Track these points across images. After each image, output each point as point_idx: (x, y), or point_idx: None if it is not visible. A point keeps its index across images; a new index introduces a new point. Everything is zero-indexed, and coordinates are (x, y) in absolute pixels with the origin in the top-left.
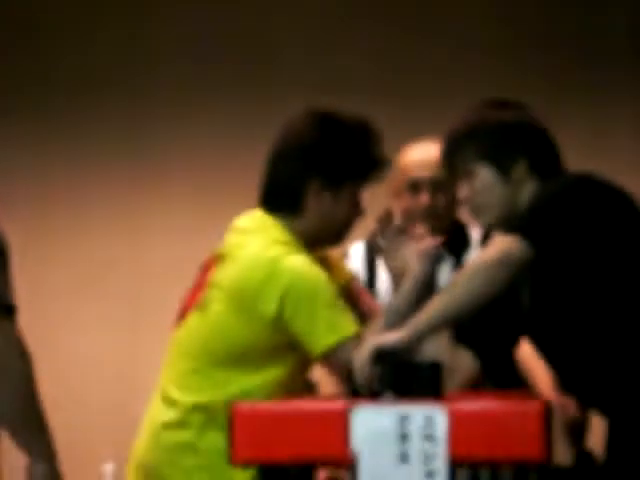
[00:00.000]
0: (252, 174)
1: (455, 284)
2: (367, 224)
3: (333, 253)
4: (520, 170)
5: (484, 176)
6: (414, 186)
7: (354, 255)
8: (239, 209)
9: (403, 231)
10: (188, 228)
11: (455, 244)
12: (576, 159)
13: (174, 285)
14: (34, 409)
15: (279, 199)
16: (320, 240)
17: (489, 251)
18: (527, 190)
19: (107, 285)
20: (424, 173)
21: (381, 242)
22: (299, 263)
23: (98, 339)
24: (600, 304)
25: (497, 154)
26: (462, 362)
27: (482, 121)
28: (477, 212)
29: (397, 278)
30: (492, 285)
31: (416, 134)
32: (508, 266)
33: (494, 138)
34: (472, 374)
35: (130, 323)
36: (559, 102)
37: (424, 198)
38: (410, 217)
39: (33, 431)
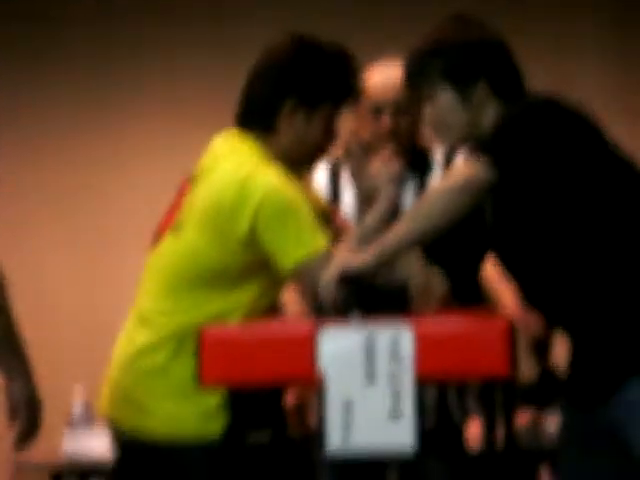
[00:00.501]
0: (231, 96)
1: (420, 208)
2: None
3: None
4: (481, 91)
5: (446, 97)
6: (376, 109)
7: (317, 180)
8: (217, 130)
9: (369, 151)
10: (164, 149)
11: (418, 166)
12: (539, 79)
13: (144, 211)
14: (10, 329)
15: (253, 117)
16: (293, 161)
17: (453, 175)
18: (490, 111)
19: (80, 209)
20: (386, 97)
21: (348, 163)
22: (272, 179)
23: (69, 260)
24: (562, 224)
25: (458, 74)
26: (435, 283)
27: (444, 41)
28: (440, 132)
29: (366, 199)
30: (455, 210)
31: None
32: (472, 191)
33: (456, 57)
34: (443, 294)
35: (101, 244)
36: (523, 21)
37: (386, 121)
38: (373, 139)
39: (10, 350)
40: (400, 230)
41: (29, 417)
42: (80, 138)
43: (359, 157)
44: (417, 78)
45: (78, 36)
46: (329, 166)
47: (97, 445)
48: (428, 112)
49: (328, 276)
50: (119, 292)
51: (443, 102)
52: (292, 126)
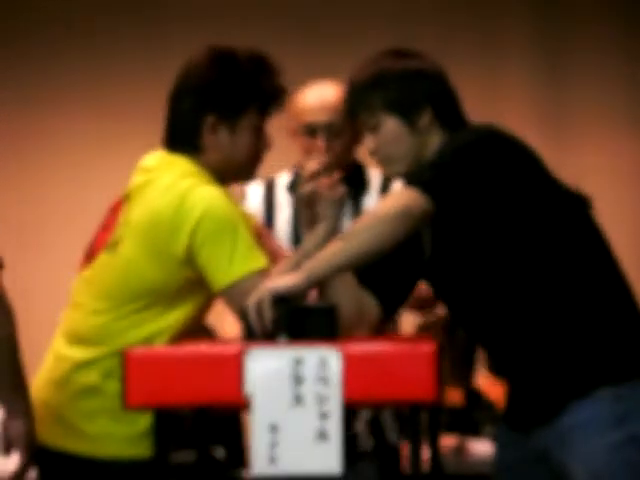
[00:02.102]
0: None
1: (353, 233)
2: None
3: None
4: (425, 119)
5: (391, 126)
6: (310, 130)
7: (252, 195)
8: (144, 151)
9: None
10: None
11: (353, 186)
12: (470, 99)
13: (66, 220)
14: (13, 361)
15: (177, 138)
16: (227, 176)
17: (390, 202)
18: (434, 140)
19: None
20: (320, 118)
21: (300, 193)
22: (209, 195)
23: None
24: (498, 252)
25: (403, 103)
26: (368, 307)
27: (386, 71)
28: (386, 163)
29: (307, 222)
30: (389, 238)
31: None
32: (407, 220)
33: (399, 87)
34: (377, 319)
35: (23, 260)
36: (451, 42)
37: (320, 143)
38: (309, 158)
39: (11, 387)
40: (332, 252)
41: (27, 455)
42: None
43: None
44: (359, 111)
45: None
46: (265, 180)
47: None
48: (372, 144)
49: (256, 297)
50: (40, 311)
51: (389, 132)
52: (217, 142)
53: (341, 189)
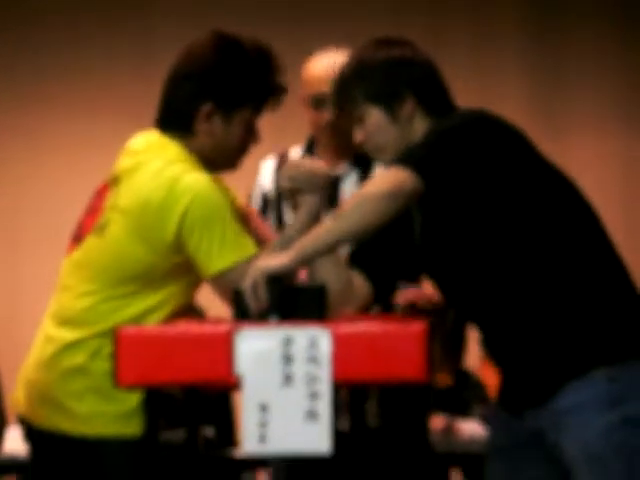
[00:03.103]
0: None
1: (343, 212)
2: (283, 138)
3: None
4: (408, 106)
5: (374, 117)
6: (317, 101)
7: (265, 170)
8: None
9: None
10: (82, 145)
11: (362, 157)
12: (462, 95)
13: (57, 210)
14: None
15: (171, 120)
16: (213, 163)
17: (379, 181)
18: (420, 126)
19: None
20: (326, 88)
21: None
22: (199, 181)
23: None
24: (490, 232)
25: (384, 93)
26: (357, 286)
27: (366, 61)
28: (375, 153)
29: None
30: (379, 217)
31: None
32: (397, 199)
33: (378, 77)
34: (367, 299)
35: (10, 241)
36: (444, 35)
37: (327, 114)
38: (317, 131)
39: None
40: (322, 231)
41: None
42: None
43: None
44: (345, 103)
45: None
46: (278, 155)
47: (10, 443)
48: (360, 135)
49: (251, 277)
50: (28, 293)
51: (373, 123)
52: (210, 129)
53: (323, 172)
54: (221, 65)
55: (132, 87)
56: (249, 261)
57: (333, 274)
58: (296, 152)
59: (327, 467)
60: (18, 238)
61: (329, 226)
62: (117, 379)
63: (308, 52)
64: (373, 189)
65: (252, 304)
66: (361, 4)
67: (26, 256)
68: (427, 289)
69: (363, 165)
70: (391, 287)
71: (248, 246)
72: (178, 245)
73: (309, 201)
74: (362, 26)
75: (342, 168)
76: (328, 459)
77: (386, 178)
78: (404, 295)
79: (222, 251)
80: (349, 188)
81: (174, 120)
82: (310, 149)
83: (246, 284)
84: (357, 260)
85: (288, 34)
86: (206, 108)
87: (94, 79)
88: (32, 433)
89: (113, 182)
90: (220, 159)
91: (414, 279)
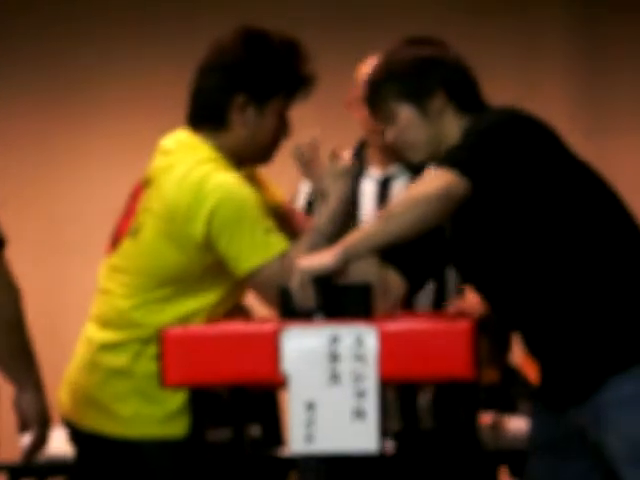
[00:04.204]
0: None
1: (392, 214)
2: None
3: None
4: (437, 102)
5: (405, 115)
6: None
7: (302, 191)
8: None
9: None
10: (123, 148)
11: (411, 163)
12: (506, 88)
13: (100, 213)
14: (21, 340)
15: (203, 114)
16: (246, 157)
17: (428, 184)
18: (451, 124)
19: (31, 206)
20: None
21: (296, 157)
22: (226, 181)
23: (21, 261)
24: (532, 231)
25: (414, 90)
26: (393, 283)
27: (396, 61)
28: (408, 152)
29: (317, 196)
30: (429, 220)
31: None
32: (448, 202)
33: (409, 74)
34: (402, 295)
35: (55, 244)
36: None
37: None
38: (368, 132)
39: (20, 361)
40: (369, 232)
41: (40, 430)
42: (34, 135)
43: (308, 157)
44: (377, 105)
45: (42, 34)
46: None
47: (55, 445)
48: (391, 134)
49: (298, 277)
50: (72, 296)
51: (404, 120)
52: (243, 121)
53: (345, 161)
54: (251, 56)
55: (173, 89)
56: (280, 258)
57: (370, 271)
58: (347, 155)
59: (374, 467)
60: (61, 241)
61: (379, 227)
62: (163, 379)
63: (363, 55)
64: (424, 192)
65: (302, 304)
66: (412, 7)
67: (70, 259)
68: (473, 297)
69: (414, 166)
70: (421, 284)
71: (278, 243)
72: (208, 246)
73: (337, 191)
74: (415, 29)
75: (393, 169)
76: (376, 458)
77: (435, 181)
78: (455, 306)
79: (252, 250)
80: (399, 189)
81: (207, 114)
82: (360, 152)
83: (293, 284)
84: (389, 256)
85: (343, 38)
86: (240, 99)
87: (128, 82)
88: (77, 435)
89: (146, 183)
90: (253, 153)
91: (440, 276)
